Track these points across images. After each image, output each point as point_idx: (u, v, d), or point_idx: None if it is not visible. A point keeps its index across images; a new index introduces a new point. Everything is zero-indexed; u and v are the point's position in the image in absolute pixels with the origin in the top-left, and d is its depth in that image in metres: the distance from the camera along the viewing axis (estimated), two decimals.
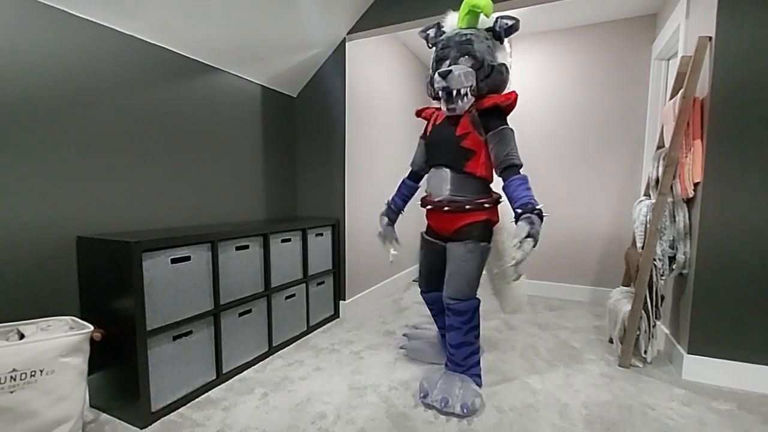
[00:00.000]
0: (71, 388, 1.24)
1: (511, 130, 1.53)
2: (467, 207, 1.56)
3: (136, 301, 1.34)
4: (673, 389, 1.67)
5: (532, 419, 1.44)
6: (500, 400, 1.58)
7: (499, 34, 1.54)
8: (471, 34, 1.52)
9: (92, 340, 1.33)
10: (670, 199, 1.81)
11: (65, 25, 1.44)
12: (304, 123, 2.69)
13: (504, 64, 1.54)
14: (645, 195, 2.12)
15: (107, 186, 1.61)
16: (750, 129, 1.62)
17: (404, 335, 2.09)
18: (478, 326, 1.60)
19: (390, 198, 1.97)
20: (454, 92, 1.48)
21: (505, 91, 1.57)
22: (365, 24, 2.42)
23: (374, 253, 2.96)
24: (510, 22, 1.52)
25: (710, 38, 1.68)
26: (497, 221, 1.68)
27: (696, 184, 1.74)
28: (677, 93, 1.88)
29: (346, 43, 2.48)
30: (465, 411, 1.43)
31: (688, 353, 1.75)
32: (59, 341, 1.21)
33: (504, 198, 1.59)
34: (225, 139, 2.16)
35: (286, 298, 2.12)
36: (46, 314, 1.42)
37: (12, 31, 1.31)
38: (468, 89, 1.50)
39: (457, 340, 1.58)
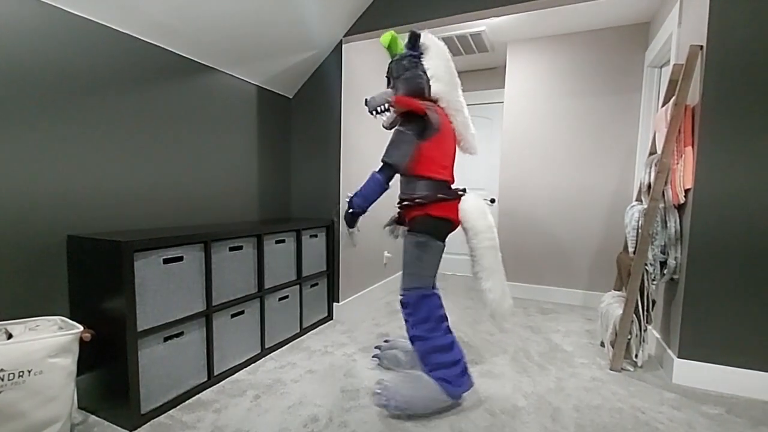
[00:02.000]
0: (60, 389, 1.22)
1: (401, 132, 1.57)
2: (405, 203, 1.66)
3: (127, 301, 1.33)
4: (663, 393, 1.68)
5: (524, 422, 1.45)
6: (492, 403, 1.58)
7: (410, 50, 1.65)
8: (392, 61, 1.69)
9: (81, 341, 1.31)
10: (661, 205, 1.83)
11: (61, 22, 1.43)
12: (299, 124, 2.68)
13: (413, 74, 1.62)
14: (637, 200, 2.14)
15: (99, 184, 1.59)
16: (740, 136, 1.64)
17: (377, 347, 2.01)
18: (427, 320, 1.56)
19: None
20: (373, 112, 1.68)
21: (444, 93, 1.64)
22: (362, 26, 2.43)
23: (368, 255, 2.96)
24: (407, 37, 1.67)
25: (701, 47, 1.71)
26: (446, 216, 1.60)
27: (687, 191, 1.77)
28: (669, 100, 1.91)
29: (343, 45, 2.48)
30: (384, 402, 1.46)
31: (679, 357, 1.77)
32: (48, 341, 1.20)
33: (468, 196, 1.62)
34: (220, 138, 2.15)
35: (280, 299, 2.11)
36: (34, 314, 1.40)
37: (9, 27, 1.29)
38: (383, 107, 1.65)
39: (410, 333, 1.61)
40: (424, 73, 1.62)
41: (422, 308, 1.57)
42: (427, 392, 1.49)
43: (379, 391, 1.50)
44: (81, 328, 1.31)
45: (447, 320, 1.60)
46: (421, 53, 1.65)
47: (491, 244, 1.57)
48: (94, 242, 1.40)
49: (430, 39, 1.67)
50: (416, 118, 1.57)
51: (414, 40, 1.64)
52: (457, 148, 1.76)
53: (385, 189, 1.63)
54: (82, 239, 1.44)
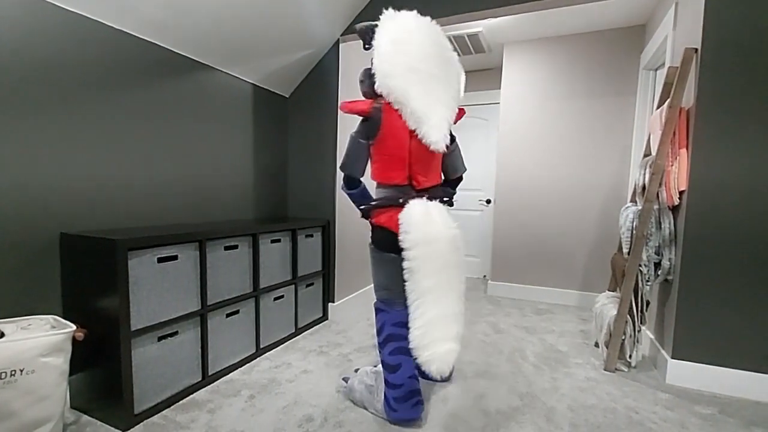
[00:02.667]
0: (52, 389, 1.21)
1: (350, 136, 1.49)
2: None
3: (121, 300, 1.32)
4: (657, 393, 1.69)
5: (519, 422, 1.45)
6: (487, 403, 1.59)
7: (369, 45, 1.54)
8: None
9: (74, 340, 1.30)
10: (656, 206, 1.84)
11: (58, 19, 1.42)
12: (296, 123, 2.68)
13: (362, 74, 1.51)
14: (632, 201, 2.16)
15: (93, 181, 1.58)
16: (734, 139, 1.66)
17: (344, 379, 1.75)
18: (379, 333, 1.50)
19: None
20: None
21: (384, 87, 1.42)
22: None
23: (364, 256, 2.96)
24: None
25: (696, 50, 1.73)
26: (384, 225, 1.47)
27: (681, 192, 1.78)
28: (664, 102, 1.93)
29: (340, 44, 2.48)
30: (345, 382, 1.65)
31: (672, 358, 1.78)
32: (40, 340, 1.19)
33: (411, 203, 1.41)
34: (216, 137, 2.14)
35: (275, 299, 2.11)
36: (27, 313, 1.39)
37: (5, 23, 1.28)
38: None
39: None
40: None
41: (377, 319, 1.54)
42: (367, 393, 1.53)
43: (344, 378, 1.69)
44: (74, 327, 1.30)
45: (402, 341, 1.44)
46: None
47: (419, 266, 1.34)
48: (87, 240, 1.39)
49: (381, 25, 1.46)
50: (362, 121, 1.48)
51: (357, 32, 1.51)
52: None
53: (359, 187, 1.53)
54: (76, 237, 1.42)
